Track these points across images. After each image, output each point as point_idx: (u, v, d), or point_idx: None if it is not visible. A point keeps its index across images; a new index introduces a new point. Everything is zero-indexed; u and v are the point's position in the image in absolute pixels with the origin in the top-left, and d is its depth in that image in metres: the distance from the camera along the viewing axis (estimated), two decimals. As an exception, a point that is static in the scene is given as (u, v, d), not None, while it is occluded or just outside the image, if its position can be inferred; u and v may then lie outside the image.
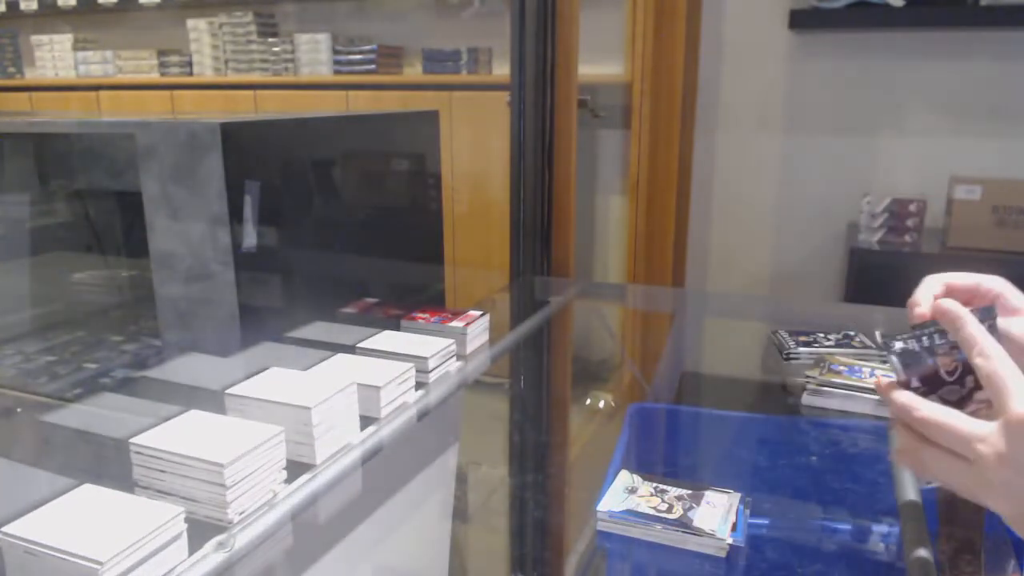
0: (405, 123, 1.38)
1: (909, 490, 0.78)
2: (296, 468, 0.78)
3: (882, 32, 2.33)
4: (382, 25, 3.23)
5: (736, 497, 0.78)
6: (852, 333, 1.27)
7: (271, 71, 3.27)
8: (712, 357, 1.48)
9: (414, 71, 3.15)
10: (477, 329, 1.17)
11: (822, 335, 1.26)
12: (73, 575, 0.56)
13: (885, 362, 1.18)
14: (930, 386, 0.53)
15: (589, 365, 1.46)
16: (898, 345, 0.54)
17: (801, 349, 1.21)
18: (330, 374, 0.92)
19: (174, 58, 3.55)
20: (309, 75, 3.18)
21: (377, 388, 0.91)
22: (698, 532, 0.72)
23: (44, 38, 3.79)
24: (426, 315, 1.17)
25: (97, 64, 3.70)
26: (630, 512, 0.75)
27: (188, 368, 1.00)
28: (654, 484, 0.81)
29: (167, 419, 0.76)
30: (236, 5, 3.36)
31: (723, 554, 0.71)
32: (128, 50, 3.66)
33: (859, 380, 1.05)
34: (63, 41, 3.76)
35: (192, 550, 0.64)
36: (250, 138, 0.95)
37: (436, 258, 1.44)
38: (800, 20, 2.29)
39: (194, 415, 0.77)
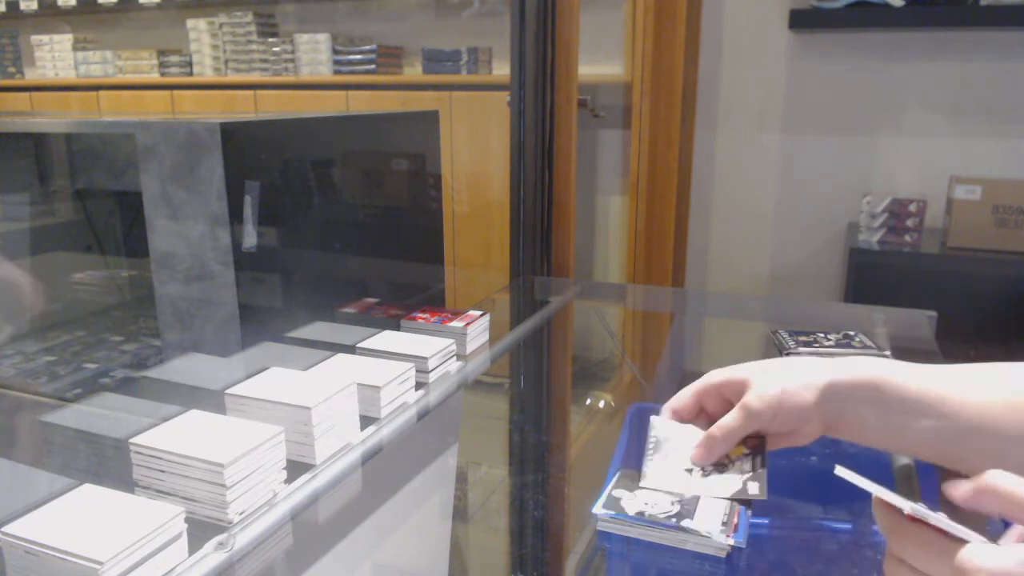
0: (405, 123, 1.38)
1: (902, 456, 0.79)
2: (296, 468, 0.78)
3: (882, 32, 2.33)
4: (382, 25, 3.23)
5: (736, 497, 0.78)
6: (852, 333, 1.27)
7: (271, 71, 3.27)
8: (712, 357, 1.48)
9: (414, 71, 3.16)
10: (477, 329, 1.17)
11: (822, 335, 1.26)
12: (73, 575, 0.56)
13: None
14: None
15: (589, 365, 1.46)
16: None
17: (801, 349, 1.21)
18: (330, 374, 0.92)
19: (174, 58, 3.55)
20: (309, 75, 3.18)
21: (377, 388, 0.91)
22: (698, 532, 0.72)
23: (44, 38, 3.79)
24: (426, 315, 1.17)
25: (97, 64, 3.70)
26: (629, 513, 0.75)
27: (188, 368, 1.00)
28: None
29: (167, 419, 0.76)
30: (236, 5, 3.36)
31: (723, 554, 0.71)
32: (128, 50, 3.66)
33: (859, 380, 1.05)
34: (63, 41, 3.76)
35: (192, 550, 0.64)
36: (250, 138, 0.95)
37: (436, 258, 1.44)
38: (800, 20, 2.29)
39: (194, 415, 0.77)
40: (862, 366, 0.64)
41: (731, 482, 0.69)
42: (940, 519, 0.45)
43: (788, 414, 0.65)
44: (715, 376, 0.70)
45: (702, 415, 0.73)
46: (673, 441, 0.72)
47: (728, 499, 0.69)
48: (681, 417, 0.72)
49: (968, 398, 0.59)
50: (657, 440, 0.73)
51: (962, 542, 0.43)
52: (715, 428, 0.68)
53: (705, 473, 0.70)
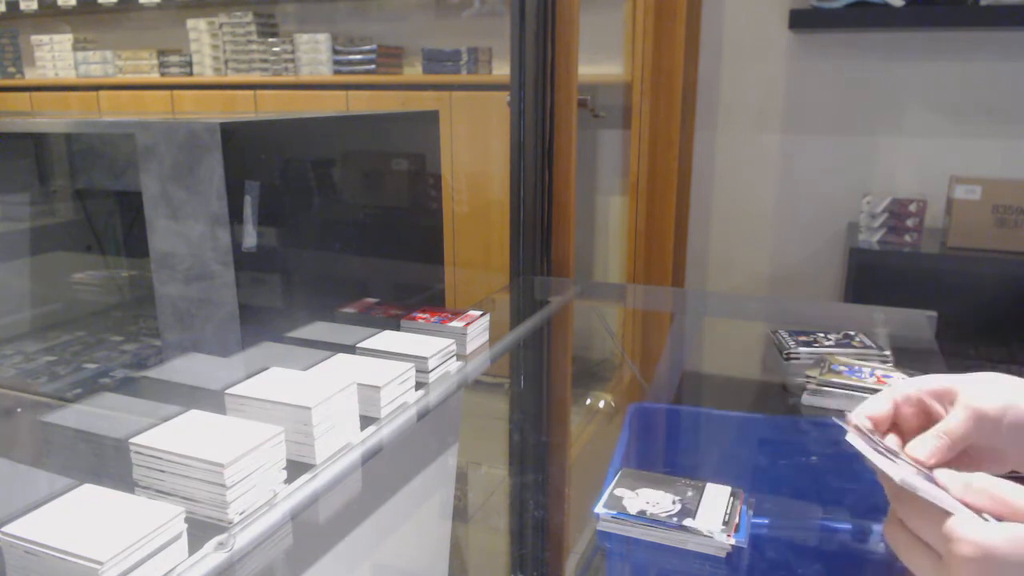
0: (405, 123, 1.38)
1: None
2: (296, 468, 0.78)
3: (882, 32, 2.33)
4: (382, 25, 3.23)
5: (738, 496, 0.78)
6: (852, 333, 1.27)
7: (271, 71, 3.27)
8: (712, 357, 1.48)
9: (414, 71, 3.16)
10: (477, 329, 1.17)
11: (822, 335, 1.26)
12: (73, 575, 0.56)
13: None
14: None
15: (589, 365, 1.46)
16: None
17: (801, 349, 1.21)
18: (330, 374, 0.92)
19: (174, 58, 3.55)
20: (309, 75, 3.18)
21: (377, 388, 0.91)
22: (698, 532, 0.72)
23: (44, 38, 3.79)
24: (426, 315, 1.17)
25: (97, 64, 3.70)
26: (630, 512, 0.75)
27: (188, 368, 1.00)
28: (654, 484, 0.81)
29: (167, 419, 0.76)
30: (236, 5, 3.36)
31: (723, 554, 0.71)
32: (128, 50, 3.66)
33: (859, 380, 1.05)
34: (63, 41, 3.76)
35: (192, 550, 0.64)
36: (250, 138, 0.95)
37: (436, 258, 1.44)
38: (800, 20, 2.29)
39: (194, 415, 0.77)
40: None
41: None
42: (928, 491, 0.46)
43: (1012, 428, 0.55)
44: (917, 383, 0.60)
45: (894, 429, 0.62)
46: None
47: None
48: (878, 427, 0.61)
49: None
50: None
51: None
52: (937, 430, 0.57)
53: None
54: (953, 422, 0.56)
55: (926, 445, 0.56)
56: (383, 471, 0.86)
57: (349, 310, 1.16)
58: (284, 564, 0.70)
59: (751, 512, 0.77)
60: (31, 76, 3.94)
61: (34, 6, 3.73)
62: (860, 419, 0.60)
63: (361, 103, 2.98)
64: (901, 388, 0.60)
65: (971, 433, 0.56)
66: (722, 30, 2.53)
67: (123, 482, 0.71)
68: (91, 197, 1.44)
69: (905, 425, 0.60)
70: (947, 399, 0.58)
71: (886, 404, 0.60)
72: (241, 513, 0.70)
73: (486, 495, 0.92)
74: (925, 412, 0.59)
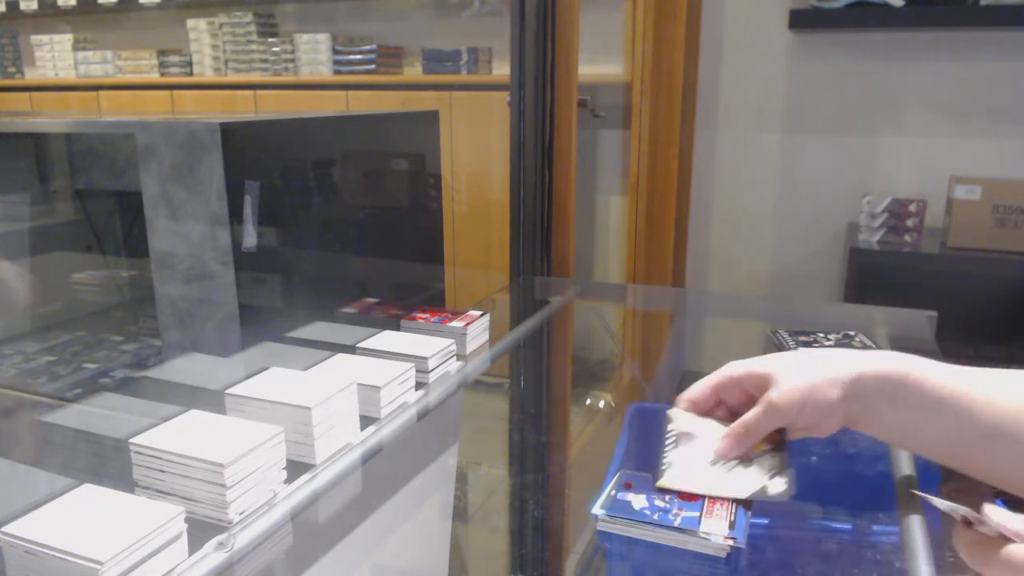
0: (405, 123, 1.38)
1: (904, 465, 0.79)
2: (296, 468, 0.78)
3: (882, 32, 2.33)
4: (382, 25, 3.23)
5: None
6: (852, 333, 1.27)
7: (271, 71, 3.27)
8: (712, 357, 1.48)
9: (414, 71, 3.16)
10: (477, 329, 1.17)
11: (822, 335, 1.26)
12: (73, 575, 0.56)
13: None
14: None
15: (589, 365, 1.46)
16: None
17: (801, 349, 1.21)
18: (330, 374, 0.92)
19: (174, 58, 3.56)
20: (309, 75, 3.18)
21: (377, 388, 0.91)
22: (698, 532, 0.72)
23: (44, 38, 3.79)
24: (426, 315, 1.17)
25: (97, 64, 3.70)
26: (630, 512, 0.75)
27: (188, 368, 1.00)
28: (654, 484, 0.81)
29: (167, 419, 0.76)
30: (236, 5, 3.36)
31: (723, 554, 0.71)
32: (128, 50, 3.66)
33: (859, 380, 1.05)
34: (63, 41, 3.76)
35: (192, 550, 0.64)
36: (250, 138, 0.95)
37: (436, 258, 1.44)
38: (800, 20, 2.29)
39: (194, 415, 0.77)
40: (889, 360, 0.62)
41: (754, 479, 0.68)
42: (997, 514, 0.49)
43: (813, 410, 0.63)
44: (736, 369, 0.67)
45: (721, 407, 0.70)
46: (694, 435, 0.68)
47: (751, 499, 0.67)
48: (699, 409, 0.69)
49: (996, 401, 0.58)
50: (678, 434, 0.68)
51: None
52: (739, 424, 0.65)
53: (729, 469, 0.67)
54: (752, 417, 0.64)
55: (730, 440, 0.65)
56: (383, 471, 0.86)
57: (349, 310, 1.16)
58: (284, 564, 0.70)
59: (751, 512, 0.77)
60: (31, 76, 3.94)
61: (34, 6, 3.73)
62: (681, 403, 0.69)
63: (361, 103, 2.98)
64: (725, 372, 0.68)
65: (769, 425, 0.64)
66: (722, 30, 2.53)
67: (123, 482, 0.71)
68: (91, 197, 1.44)
69: (732, 401, 0.69)
70: (760, 384, 0.65)
71: (706, 389, 0.68)
72: (241, 513, 0.70)
73: (486, 495, 0.92)
74: (747, 394, 0.67)
